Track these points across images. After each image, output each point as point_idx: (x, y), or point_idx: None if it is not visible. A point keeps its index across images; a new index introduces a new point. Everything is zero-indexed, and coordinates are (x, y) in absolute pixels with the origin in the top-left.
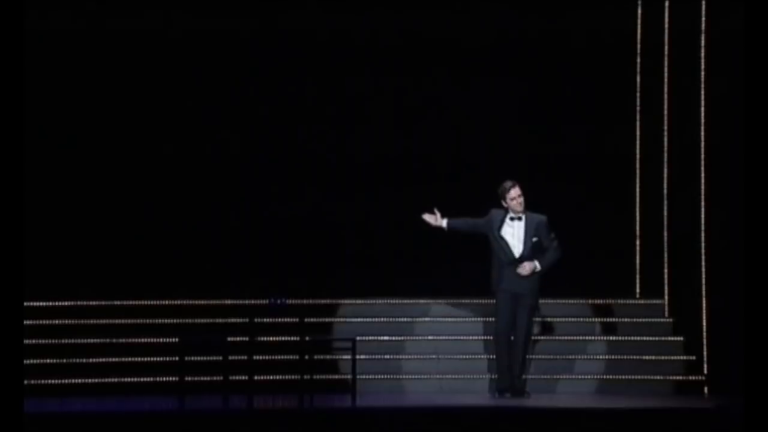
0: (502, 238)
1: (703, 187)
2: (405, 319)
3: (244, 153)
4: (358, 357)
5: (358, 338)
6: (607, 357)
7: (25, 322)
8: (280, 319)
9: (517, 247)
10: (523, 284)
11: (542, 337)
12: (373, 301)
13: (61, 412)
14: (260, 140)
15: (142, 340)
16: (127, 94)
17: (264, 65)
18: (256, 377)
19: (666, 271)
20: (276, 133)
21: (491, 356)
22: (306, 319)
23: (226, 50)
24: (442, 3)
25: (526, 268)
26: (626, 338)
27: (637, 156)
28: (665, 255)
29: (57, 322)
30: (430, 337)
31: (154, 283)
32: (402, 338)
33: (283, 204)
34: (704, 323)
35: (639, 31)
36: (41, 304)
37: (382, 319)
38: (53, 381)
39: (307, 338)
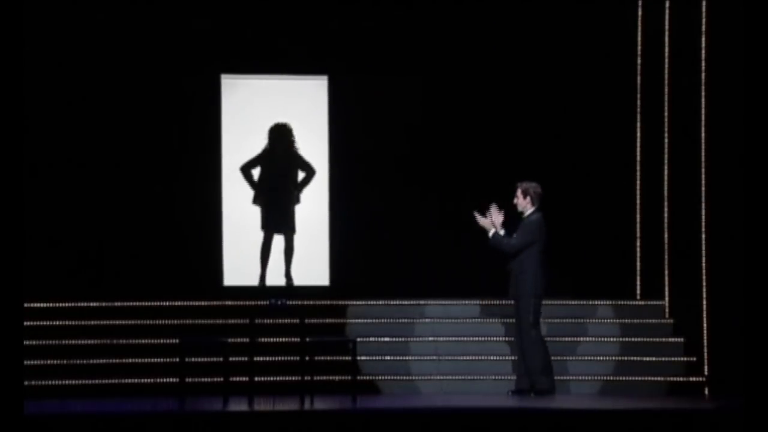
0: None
1: (703, 187)
2: (405, 320)
3: (242, 155)
4: (358, 358)
5: (358, 339)
6: (607, 358)
7: (25, 323)
8: (280, 320)
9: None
10: (512, 291)
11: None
12: (373, 302)
13: (61, 413)
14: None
15: (143, 341)
16: (127, 94)
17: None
18: (256, 378)
19: (666, 272)
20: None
21: (491, 357)
22: (306, 320)
23: (229, 52)
24: (445, 1)
25: (482, 221)
26: (627, 339)
27: (637, 156)
28: (665, 256)
29: (57, 323)
30: (430, 338)
31: (154, 283)
32: (402, 339)
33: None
34: (705, 324)
35: (639, 31)
36: (41, 305)
37: (382, 320)
38: (53, 382)
39: (307, 339)
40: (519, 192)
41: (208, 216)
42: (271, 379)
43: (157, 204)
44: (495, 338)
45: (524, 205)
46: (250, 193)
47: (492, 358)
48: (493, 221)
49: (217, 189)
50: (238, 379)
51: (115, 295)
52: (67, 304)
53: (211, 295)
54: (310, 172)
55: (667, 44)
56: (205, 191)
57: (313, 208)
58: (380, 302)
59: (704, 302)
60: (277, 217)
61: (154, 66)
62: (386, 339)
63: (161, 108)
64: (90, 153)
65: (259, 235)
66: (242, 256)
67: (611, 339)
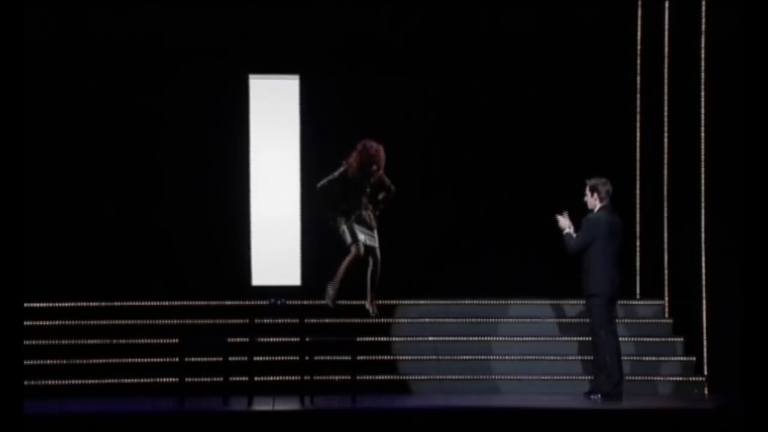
0: None
1: (703, 187)
2: (404, 320)
3: (242, 155)
4: (358, 357)
5: (358, 339)
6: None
7: (25, 323)
8: (280, 320)
9: None
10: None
11: (543, 338)
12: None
13: (61, 413)
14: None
15: (143, 341)
16: (127, 94)
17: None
18: (256, 378)
19: (666, 271)
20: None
21: (490, 357)
22: (306, 320)
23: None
24: (445, 1)
25: (560, 221)
26: (627, 339)
27: (637, 156)
28: (665, 255)
29: (57, 323)
30: (430, 338)
31: (154, 283)
32: (402, 339)
33: (284, 205)
34: (704, 324)
35: (639, 31)
36: (41, 305)
37: (382, 320)
38: (53, 382)
39: (307, 339)
40: (587, 189)
41: (236, 215)
42: (271, 378)
43: (182, 204)
44: (495, 338)
45: (592, 202)
46: (277, 192)
47: (490, 357)
48: (569, 222)
49: (245, 188)
50: (238, 378)
51: (131, 295)
52: (67, 304)
53: (241, 295)
54: (390, 191)
55: (667, 44)
56: (233, 191)
57: (284, 208)
58: (379, 302)
59: (704, 302)
60: (369, 236)
61: (180, 66)
62: (386, 339)
63: (188, 108)
64: (110, 153)
65: (282, 235)
66: (270, 255)
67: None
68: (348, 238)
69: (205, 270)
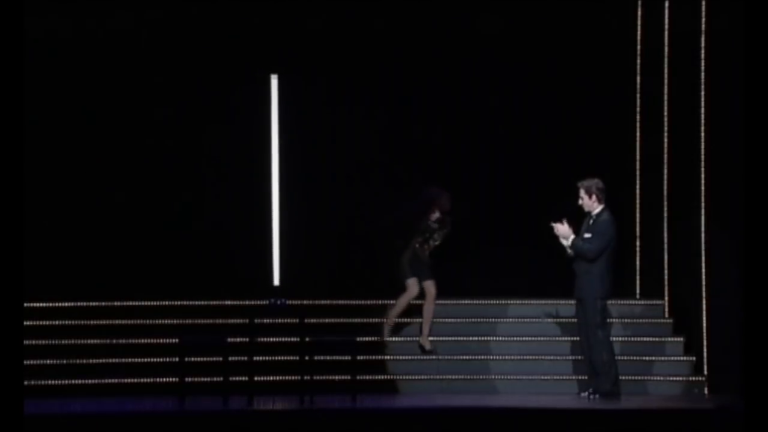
0: None
1: (702, 187)
2: (404, 320)
3: (241, 154)
4: (358, 357)
5: (358, 339)
6: None
7: (25, 323)
8: (280, 320)
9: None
10: (577, 292)
11: (543, 338)
12: (372, 301)
13: (61, 413)
14: (260, 142)
15: (142, 340)
16: (128, 93)
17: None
18: (256, 378)
19: (666, 271)
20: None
21: (490, 357)
22: (306, 320)
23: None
24: (445, 2)
25: (560, 229)
26: (627, 339)
27: (637, 156)
28: (665, 255)
29: (57, 323)
30: (430, 338)
31: (154, 283)
32: (402, 339)
33: (282, 205)
34: (704, 323)
35: (639, 31)
36: (41, 305)
37: (381, 320)
38: (53, 382)
39: (307, 339)
40: (582, 192)
41: (259, 216)
42: (271, 378)
43: (184, 203)
44: (495, 338)
45: (590, 204)
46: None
47: (490, 357)
48: (570, 229)
49: (267, 189)
50: (238, 378)
51: (131, 295)
52: (67, 304)
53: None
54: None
55: (667, 44)
56: (255, 191)
57: (261, 207)
58: (379, 302)
59: (704, 302)
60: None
61: (204, 66)
62: (385, 339)
63: (209, 108)
64: (111, 153)
65: (304, 235)
66: (293, 255)
67: (611, 338)
68: (406, 276)
69: (212, 270)
